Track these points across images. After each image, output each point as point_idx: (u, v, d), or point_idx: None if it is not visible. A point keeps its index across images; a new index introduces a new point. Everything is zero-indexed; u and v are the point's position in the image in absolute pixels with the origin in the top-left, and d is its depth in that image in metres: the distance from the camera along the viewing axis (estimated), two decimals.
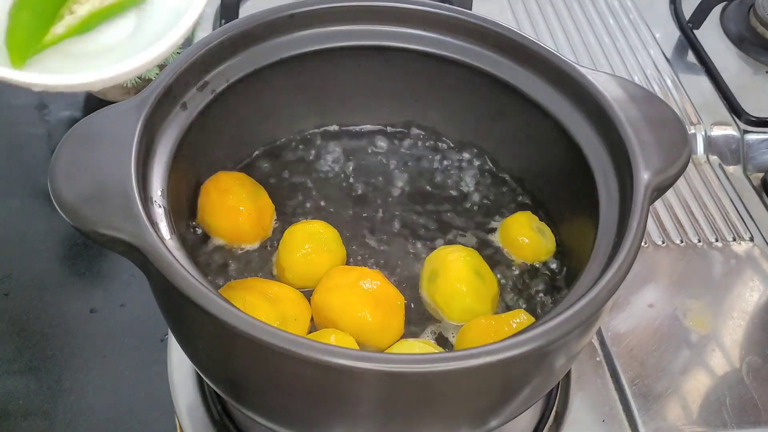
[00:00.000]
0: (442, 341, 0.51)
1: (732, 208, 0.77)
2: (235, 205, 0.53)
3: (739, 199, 0.78)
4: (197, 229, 0.55)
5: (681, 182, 0.78)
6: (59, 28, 0.41)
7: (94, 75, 0.41)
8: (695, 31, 0.93)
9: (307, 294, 0.52)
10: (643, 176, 0.46)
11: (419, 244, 0.57)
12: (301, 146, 0.62)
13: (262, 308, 0.48)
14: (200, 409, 0.56)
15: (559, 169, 0.55)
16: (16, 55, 0.38)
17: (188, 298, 0.38)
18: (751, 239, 0.74)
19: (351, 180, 0.61)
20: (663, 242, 0.73)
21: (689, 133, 0.77)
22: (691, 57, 0.91)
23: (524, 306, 0.54)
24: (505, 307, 0.54)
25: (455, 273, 0.52)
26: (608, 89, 0.50)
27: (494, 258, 0.56)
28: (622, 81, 0.52)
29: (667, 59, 0.91)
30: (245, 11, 0.88)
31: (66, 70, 0.42)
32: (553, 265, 0.56)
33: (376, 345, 0.50)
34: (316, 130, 0.63)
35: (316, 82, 0.58)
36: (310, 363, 0.37)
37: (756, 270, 0.71)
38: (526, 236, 0.56)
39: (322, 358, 0.36)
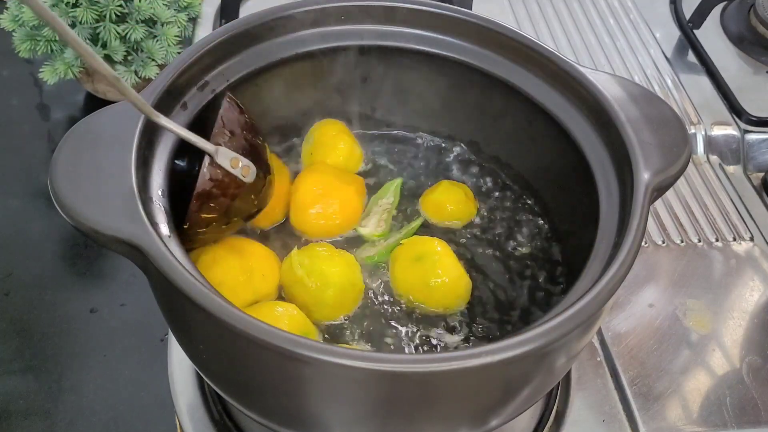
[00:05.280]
0: (426, 322, 0.51)
1: (732, 208, 0.77)
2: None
3: (739, 199, 0.78)
4: None
5: (681, 182, 0.78)
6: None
7: None
8: (695, 31, 0.93)
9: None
10: (644, 176, 0.46)
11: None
12: (301, 146, 0.62)
13: (231, 261, 0.49)
14: (200, 409, 0.56)
15: (559, 168, 0.55)
16: None
17: (188, 297, 0.38)
18: (751, 239, 0.74)
19: None
20: (663, 242, 0.73)
21: (689, 132, 0.77)
22: (691, 57, 0.91)
23: (525, 305, 0.54)
24: (499, 302, 0.54)
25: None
26: (608, 89, 0.50)
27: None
28: (623, 81, 0.52)
29: (668, 59, 0.91)
30: (245, 11, 0.88)
31: None
32: (554, 265, 0.56)
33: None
34: None
35: (315, 81, 0.58)
36: (310, 363, 0.37)
37: (756, 270, 0.71)
38: (449, 203, 0.58)
39: (322, 358, 0.36)
